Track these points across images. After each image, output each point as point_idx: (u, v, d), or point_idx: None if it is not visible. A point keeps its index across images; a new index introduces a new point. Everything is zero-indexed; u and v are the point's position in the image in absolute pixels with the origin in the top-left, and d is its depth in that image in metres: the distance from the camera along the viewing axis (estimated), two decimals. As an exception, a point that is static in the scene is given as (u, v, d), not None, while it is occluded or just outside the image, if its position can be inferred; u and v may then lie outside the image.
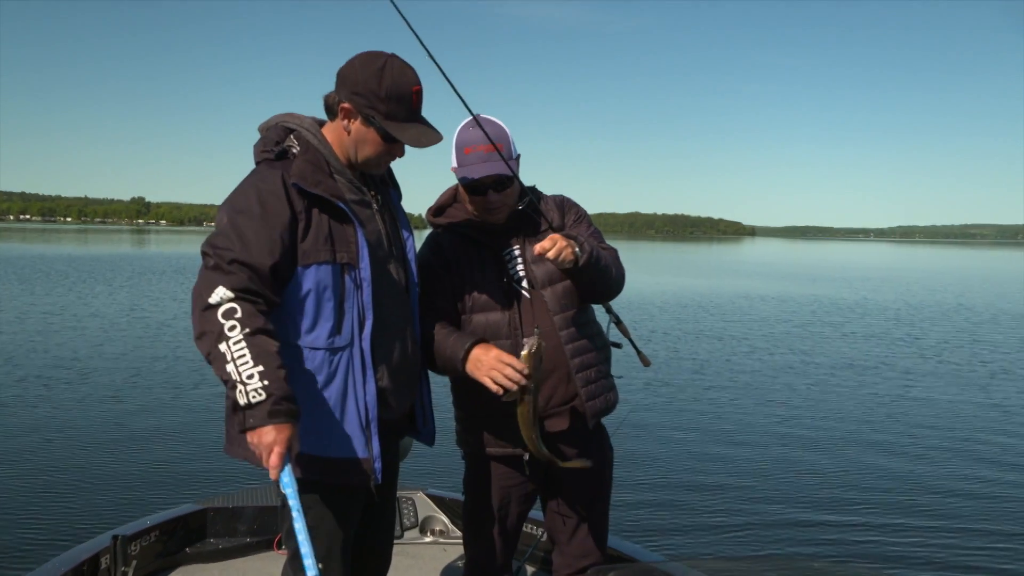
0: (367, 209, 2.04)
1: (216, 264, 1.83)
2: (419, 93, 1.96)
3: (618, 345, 2.54)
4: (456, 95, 2.14)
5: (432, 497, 3.47)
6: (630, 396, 8.12)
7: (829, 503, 5.25)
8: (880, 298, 22.58)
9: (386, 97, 1.92)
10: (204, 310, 1.79)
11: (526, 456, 2.27)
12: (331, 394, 1.91)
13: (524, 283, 2.31)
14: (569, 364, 2.28)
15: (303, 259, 1.89)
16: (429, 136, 1.98)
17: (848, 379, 9.68)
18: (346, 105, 1.95)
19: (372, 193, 2.09)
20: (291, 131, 2.02)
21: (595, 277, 2.28)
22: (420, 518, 3.44)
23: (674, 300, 19.55)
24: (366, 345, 1.94)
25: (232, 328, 1.76)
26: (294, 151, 1.97)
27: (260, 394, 1.72)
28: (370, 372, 1.95)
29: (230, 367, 1.75)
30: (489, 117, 2.33)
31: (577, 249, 2.19)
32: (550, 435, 2.26)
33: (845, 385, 9.28)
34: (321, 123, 2.06)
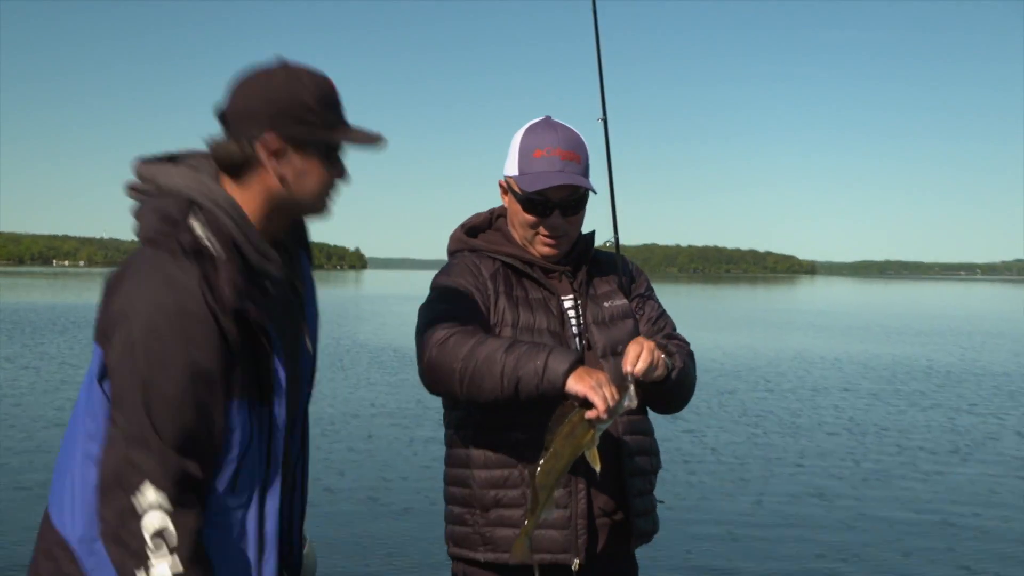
0: (280, 300, 2.00)
1: (138, 438, 1.77)
2: (336, 88, 1.99)
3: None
4: (601, 85, 2.51)
5: None
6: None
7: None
8: (991, 359, 22.28)
9: (317, 106, 1.90)
10: (125, 513, 1.75)
11: (575, 565, 2.38)
12: (228, 569, 1.89)
13: (576, 343, 2.45)
14: (623, 464, 2.43)
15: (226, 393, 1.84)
16: (373, 133, 1.99)
17: (954, 484, 9.51)
18: (270, 137, 1.88)
19: (287, 273, 2.04)
20: (193, 204, 1.88)
21: (675, 392, 2.47)
22: None
23: (705, 365, 19.65)
24: (269, 509, 1.95)
25: (161, 556, 1.74)
26: (208, 246, 1.85)
27: None
28: (272, 545, 1.95)
29: None
30: (565, 124, 2.50)
31: (668, 361, 2.37)
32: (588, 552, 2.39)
33: (955, 501, 8.84)
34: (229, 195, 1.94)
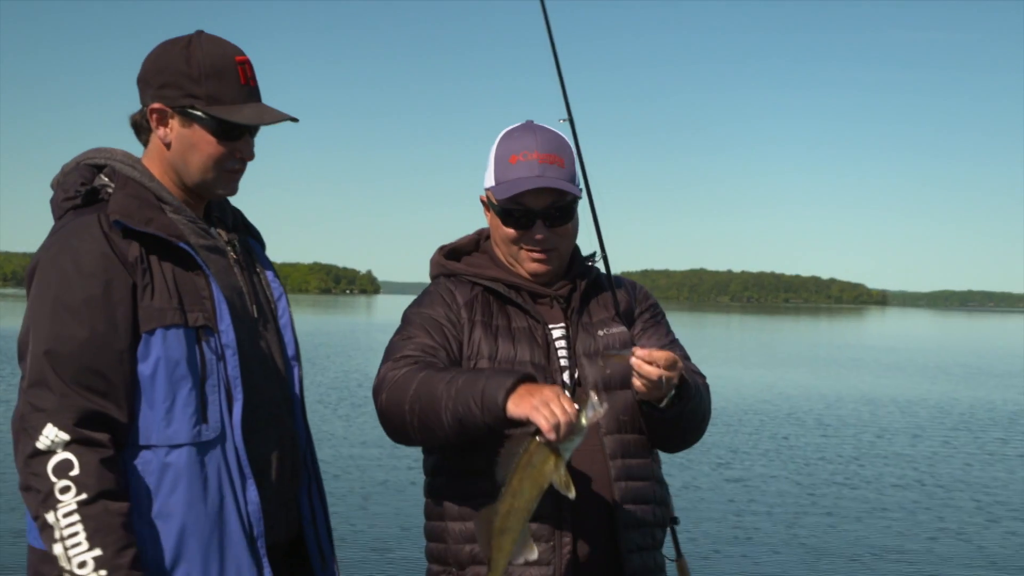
0: (220, 258, 2.23)
1: (38, 383, 1.99)
2: (246, 64, 2.17)
3: (675, 521, 2.58)
4: (561, 85, 2.42)
5: None
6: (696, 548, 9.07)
7: None
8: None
9: (202, 76, 2.11)
10: (30, 456, 1.96)
11: None
12: (207, 508, 2.06)
13: (565, 377, 2.41)
14: (615, 510, 2.35)
15: (145, 323, 2.04)
16: (272, 112, 2.17)
17: None
18: (156, 106, 2.15)
19: (226, 238, 2.30)
20: (100, 168, 2.20)
21: (684, 422, 2.39)
22: None
23: (757, 408, 19.81)
24: (239, 436, 2.11)
25: (65, 490, 1.92)
26: (108, 190, 2.14)
27: None
28: (247, 472, 2.12)
29: (58, 548, 1.92)
30: (545, 126, 2.48)
31: (689, 378, 2.28)
32: None
33: None
34: (136, 157, 2.24)
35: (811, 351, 43.60)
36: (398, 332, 2.45)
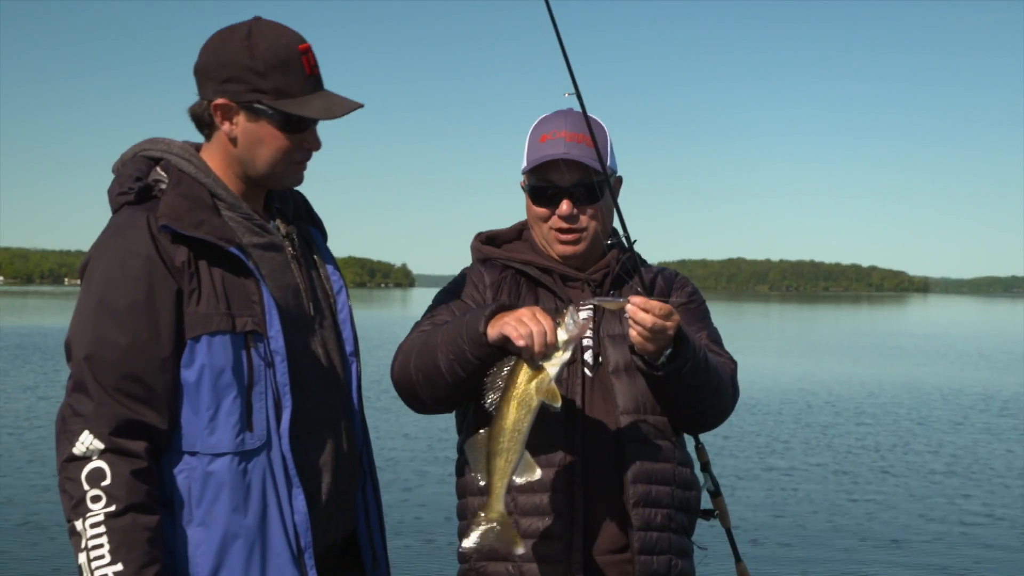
0: (276, 255, 2.19)
1: (79, 387, 1.99)
2: (309, 52, 2.12)
3: (709, 513, 2.61)
4: (569, 70, 2.34)
5: None
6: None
7: None
8: None
9: (267, 70, 2.07)
10: (67, 461, 1.97)
11: None
12: (248, 519, 2.05)
13: (587, 357, 2.43)
14: (627, 491, 2.34)
15: (191, 329, 2.02)
16: (341, 103, 2.12)
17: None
18: (220, 101, 2.10)
19: (284, 231, 2.27)
20: (157, 161, 2.17)
21: (694, 392, 2.37)
22: None
23: (798, 398, 19.75)
24: (286, 445, 2.09)
25: (95, 499, 1.92)
26: (162, 186, 2.11)
27: None
28: (295, 481, 2.09)
29: (82, 557, 1.92)
30: (585, 112, 2.44)
31: (676, 333, 2.21)
32: None
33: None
34: (197, 147, 2.22)
35: (852, 339, 43.24)
36: (424, 313, 2.54)
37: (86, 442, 1.94)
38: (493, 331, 2.15)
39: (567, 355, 2.15)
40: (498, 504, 2.17)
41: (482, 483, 2.22)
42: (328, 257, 2.38)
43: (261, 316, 2.07)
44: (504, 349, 2.16)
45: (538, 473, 2.19)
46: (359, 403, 2.38)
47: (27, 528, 8.63)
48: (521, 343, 2.08)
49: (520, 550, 2.23)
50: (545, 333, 2.09)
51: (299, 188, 2.38)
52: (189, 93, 2.22)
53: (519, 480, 2.18)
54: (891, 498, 10.67)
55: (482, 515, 2.19)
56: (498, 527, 2.18)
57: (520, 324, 2.09)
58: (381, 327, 45.63)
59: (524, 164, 2.50)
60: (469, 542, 2.22)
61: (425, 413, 2.48)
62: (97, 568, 1.91)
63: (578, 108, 2.45)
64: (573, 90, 2.43)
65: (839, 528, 9.34)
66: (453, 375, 2.25)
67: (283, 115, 2.09)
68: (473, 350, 2.19)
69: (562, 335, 2.12)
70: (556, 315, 2.16)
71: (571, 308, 2.17)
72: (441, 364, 2.25)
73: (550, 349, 2.11)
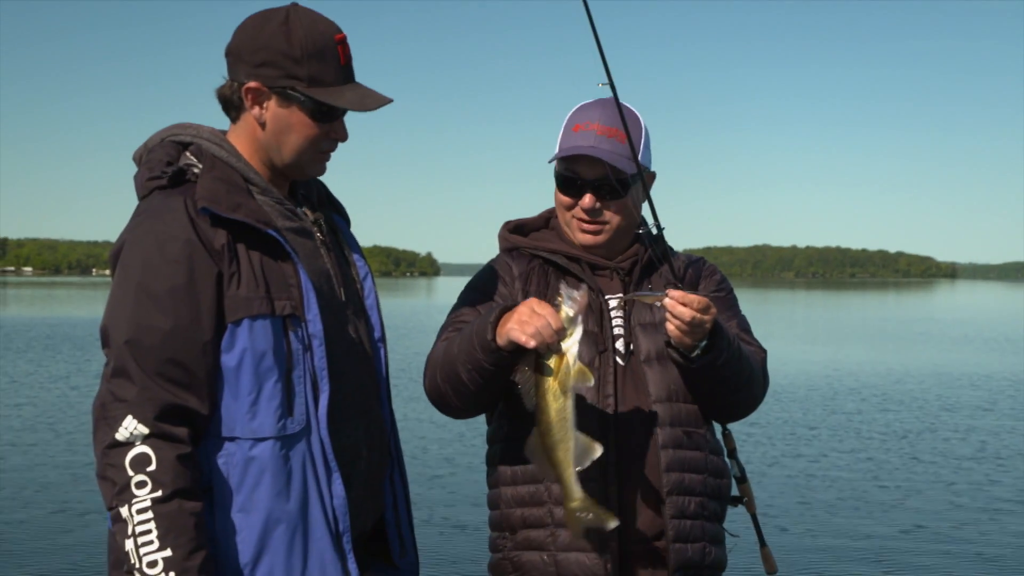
0: (308, 241, 2.20)
1: (120, 372, 1.97)
2: (344, 43, 2.12)
3: (736, 500, 2.61)
4: (602, 58, 2.31)
5: None
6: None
7: None
8: None
9: (304, 57, 2.06)
10: (109, 447, 1.95)
11: None
12: (290, 504, 2.05)
13: (619, 346, 2.44)
14: (662, 479, 2.37)
15: (231, 313, 2.02)
16: (373, 96, 2.13)
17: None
18: (252, 85, 2.09)
19: (312, 218, 2.27)
20: (186, 146, 2.16)
21: (727, 383, 2.39)
22: None
23: (824, 384, 19.63)
24: (324, 429, 2.10)
25: (141, 485, 1.92)
26: (195, 170, 2.10)
27: None
28: (334, 466, 2.10)
29: (129, 544, 1.92)
30: (624, 104, 2.43)
31: (711, 327, 2.24)
32: None
33: None
34: (222, 133, 2.21)
35: (878, 326, 43.00)
36: (449, 312, 2.54)
37: (130, 427, 1.93)
38: (501, 340, 2.18)
39: (580, 329, 2.16)
40: (576, 491, 2.20)
41: (554, 484, 2.26)
42: (354, 244, 2.39)
43: (299, 300, 2.08)
44: (520, 348, 2.18)
45: (599, 449, 2.20)
46: (387, 389, 2.40)
47: (63, 516, 8.74)
48: (532, 344, 2.10)
49: (616, 522, 2.25)
50: (549, 323, 2.10)
51: (322, 177, 2.38)
52: (212, 83, 2.21)
53: (585, 463, 2.20)
54: (918, 484, 10.64)
55: (570, 506, 2.22)
56: (588, 513, 2.22)
57: (523, 325, 2.11)
58: (407, 315, 45.80)
59: (556, 150, 2.50)
60: (568, 537, 2.30)
61: (466, 418, 2.51)
62: (146, 554, 1.91)
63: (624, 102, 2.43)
64: (606, 79, 2.40)
65: (866, 515, 9.33)
66: (476, 384, 2.29)
67: (315, 103, 2.09)
68: (488, 359, 2.22)
69: (568, 313, 2.14)
70: (552, 300, 2.19)
71: (563, 286, 2.20)
72: (463, 375, 2.29)
73: (561, 333, 2.13)
